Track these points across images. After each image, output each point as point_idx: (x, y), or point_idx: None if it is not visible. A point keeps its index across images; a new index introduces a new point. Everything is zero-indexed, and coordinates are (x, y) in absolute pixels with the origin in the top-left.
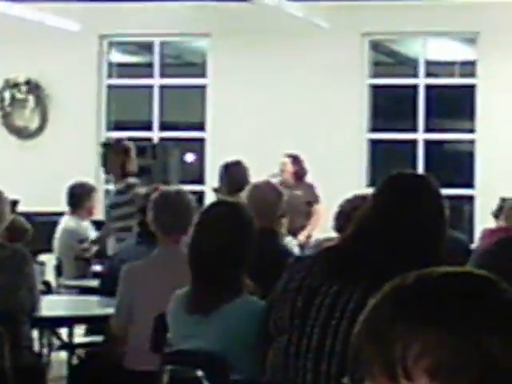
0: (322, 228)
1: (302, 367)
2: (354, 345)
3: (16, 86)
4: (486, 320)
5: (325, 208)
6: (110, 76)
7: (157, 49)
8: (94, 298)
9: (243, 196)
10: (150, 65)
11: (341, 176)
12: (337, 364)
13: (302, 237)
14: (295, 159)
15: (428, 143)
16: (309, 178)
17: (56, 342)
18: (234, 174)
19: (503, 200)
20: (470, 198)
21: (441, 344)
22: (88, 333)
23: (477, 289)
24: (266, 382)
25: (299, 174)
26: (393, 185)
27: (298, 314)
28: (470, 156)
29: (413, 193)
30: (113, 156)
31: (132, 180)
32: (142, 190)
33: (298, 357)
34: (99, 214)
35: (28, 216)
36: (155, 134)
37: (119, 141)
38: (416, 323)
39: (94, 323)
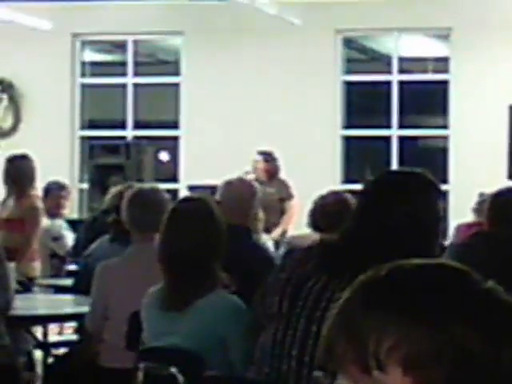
0: (296, 224)
1: (287, 355)
2: (326, 337)
3: None
4: (459, 312)
5: (298, 204)
6: (83, 75)
7: (130, 47)
8: (69, 297)
9: (217, 193)
10: (123, 63)
11: (315, 173)
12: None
13: (275, 234)
14: (267, 157)
15: (402, 139)
16: (282, 175)
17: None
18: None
19: (481, 195)
20: (444, 194)
21: (414, 336)
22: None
23: (450, 280)
24: (238, 377)
25: (271, 171)
26: (381, 182)
27: (285, 303)
28: (444, 152)
29: (402, 190)
30: None
31: None
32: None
33: (283, 345)
34: (73, 213)
35: None
36: (129, 133)
37: None
38: (388, 315)
39: (68, 322)
